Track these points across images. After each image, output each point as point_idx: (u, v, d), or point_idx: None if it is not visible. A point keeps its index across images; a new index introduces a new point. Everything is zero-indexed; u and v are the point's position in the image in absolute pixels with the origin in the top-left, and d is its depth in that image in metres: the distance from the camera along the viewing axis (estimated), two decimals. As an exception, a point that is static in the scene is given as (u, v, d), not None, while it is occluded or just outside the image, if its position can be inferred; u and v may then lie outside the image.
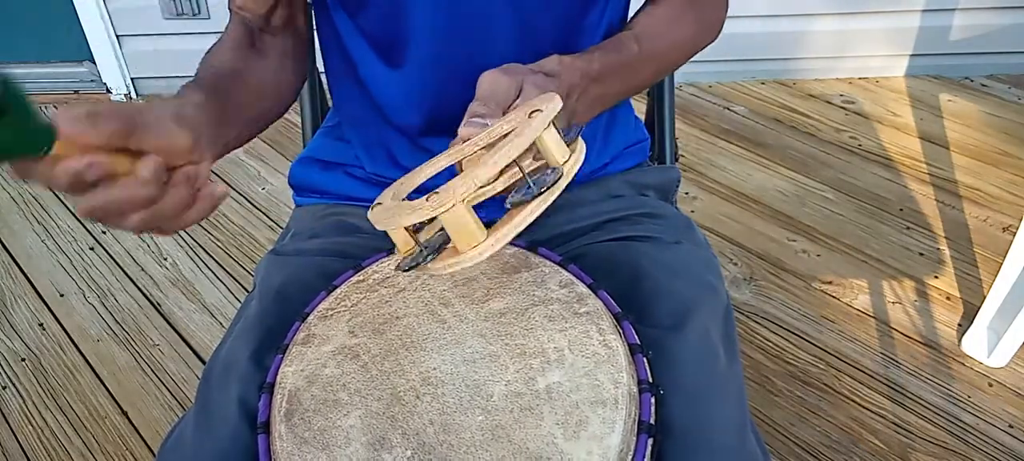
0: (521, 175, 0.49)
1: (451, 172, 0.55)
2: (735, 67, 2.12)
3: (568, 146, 0.51)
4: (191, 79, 0.61)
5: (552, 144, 0.49)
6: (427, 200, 0.47)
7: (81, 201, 0.44)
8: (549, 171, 0.49)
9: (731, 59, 2.08)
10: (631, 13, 0.74)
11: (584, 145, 0.53)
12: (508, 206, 0.49)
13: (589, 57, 0.61)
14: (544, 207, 0.48)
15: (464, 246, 0.48)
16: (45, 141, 0.41)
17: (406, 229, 0.55)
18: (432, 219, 0.56)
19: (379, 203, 0.56)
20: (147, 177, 0.44)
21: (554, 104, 0.49)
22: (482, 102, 0.53)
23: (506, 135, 0.49)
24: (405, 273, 0.58)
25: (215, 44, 0.68)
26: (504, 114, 0.53)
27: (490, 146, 0.50)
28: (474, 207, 0.48)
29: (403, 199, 0.55)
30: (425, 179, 0.59)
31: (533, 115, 0.48)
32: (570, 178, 0.49)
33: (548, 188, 0.48)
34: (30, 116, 0.40)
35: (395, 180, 0.77)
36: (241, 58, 0.66)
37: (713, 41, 0.73)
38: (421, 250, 0.53)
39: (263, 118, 0.67)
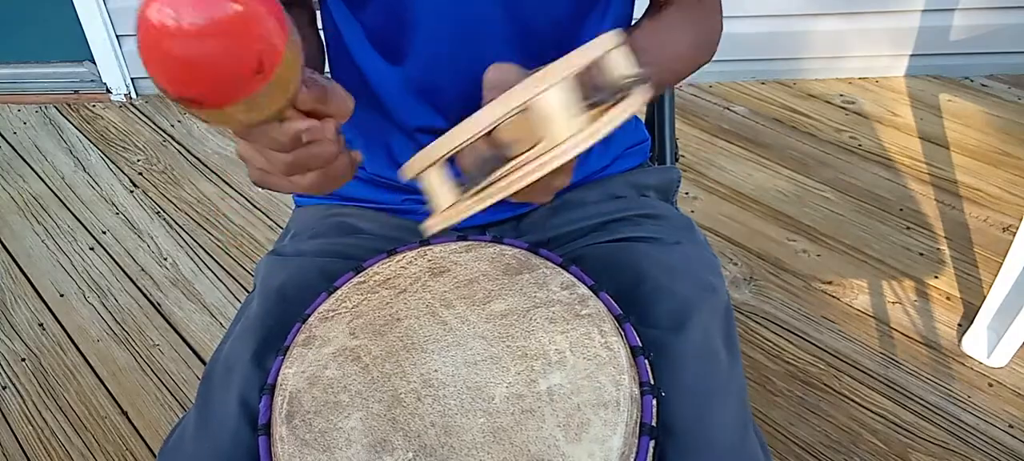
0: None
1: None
2: (735, 67, 2.12)
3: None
4: None
5: (622, 59, 0.46)
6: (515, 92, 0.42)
7: (264, 162, 0.48)
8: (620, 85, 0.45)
9: (731, 59, 2.08)
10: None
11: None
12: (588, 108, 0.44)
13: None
14: (630, 111, 0.44)
15: (557, 136, 0.42)
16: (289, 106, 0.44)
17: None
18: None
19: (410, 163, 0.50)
20: (332, 137, 0.48)
21: (613, 35, 0.45)
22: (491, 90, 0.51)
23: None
24: (465, 199, 0.47)
25: None
26: None
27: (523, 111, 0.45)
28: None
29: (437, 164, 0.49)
30: (455, 147, 0.49)
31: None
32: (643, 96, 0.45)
33: (631, 92, 0.44)
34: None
35: (396, 181, 0.78)
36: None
37: (709, 60, 0.73)
38: (484, 163, 0.45)
39: None
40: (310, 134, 0.46)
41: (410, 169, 0.49)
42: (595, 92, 0.44)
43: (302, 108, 0.46)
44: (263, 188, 0.52)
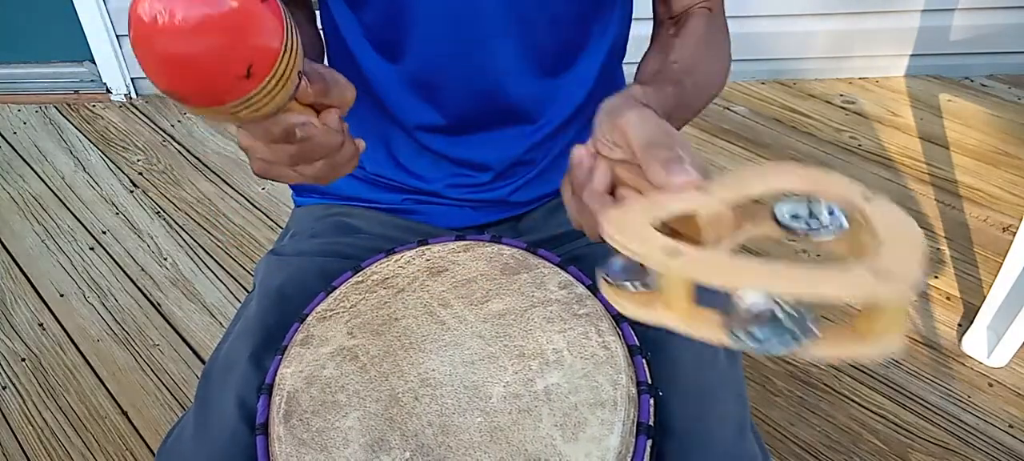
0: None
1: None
2: (735, 67, 2.10)
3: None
4: None
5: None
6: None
7: (267, 153, 0.48)
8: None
9: (731, 59, 2.08)
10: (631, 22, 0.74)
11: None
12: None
13: (665, 91, 0.55)
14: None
15: (882, 331, 0.34)
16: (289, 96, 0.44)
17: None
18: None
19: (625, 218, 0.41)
20: (336, 126, 0.49)
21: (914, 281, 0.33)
22: (654, 144, 0.44)
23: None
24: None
25: None
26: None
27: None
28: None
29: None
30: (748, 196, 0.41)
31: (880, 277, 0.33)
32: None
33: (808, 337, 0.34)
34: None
35: (395, 181, 0.78)
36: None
37: (718, 93, 0.72)
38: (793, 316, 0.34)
39: None
40: (304, 130, 0.46)
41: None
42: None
43: (303, 101, 0.46)
44: (266, 179, 0.52)
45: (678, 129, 0.58)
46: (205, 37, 0.37)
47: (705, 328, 0.36)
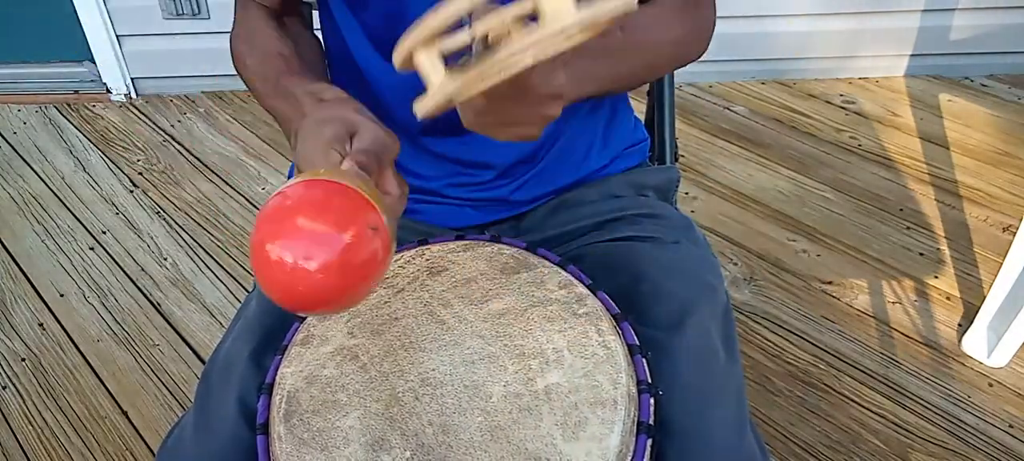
0: None
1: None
2: (735, 67, 2.12)
3: None
4: (297, 73, 0.64)
5: None
6: None
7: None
8: None
9: (731, 59, 2.08)
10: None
11: None
12: None
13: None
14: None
15: (560, 15, 0.38)
16: None
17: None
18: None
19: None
20: (395, 191, 0.51)
21: None
22: None
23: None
24: (454, 74, 0.42)
25: (253, 36, 0.69)
26: None
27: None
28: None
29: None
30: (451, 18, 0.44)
31: None
32: None
33: None
34: None
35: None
36: (292, 37, 0.69)
37: (702, 51, 0.72)
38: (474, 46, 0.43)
39: None
40: (381, 235, 0.47)
41: (400, 51, 0.43)
42: None
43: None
44: None
45: (601, 77, 0.64)
46: (329, 273, 0.42)
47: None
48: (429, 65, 0.43)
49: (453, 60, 0.44)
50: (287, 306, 0.43)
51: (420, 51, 0.43)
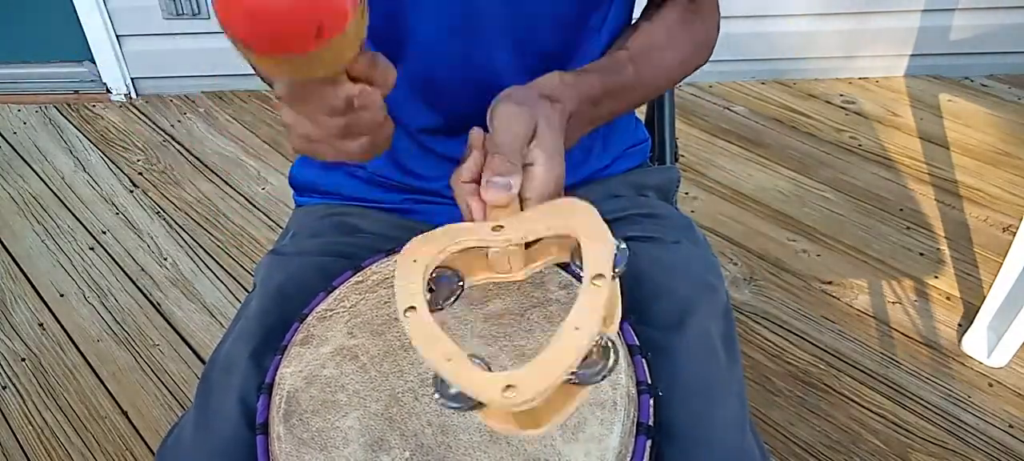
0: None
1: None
2: (735, 67, 2.12)
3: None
4: None
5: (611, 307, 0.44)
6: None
7: (312, 128, 0.49)
8: (602, 358, 0.42)
9: (731, 59, 2.08)
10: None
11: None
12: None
13: (589, 79, 0.61)
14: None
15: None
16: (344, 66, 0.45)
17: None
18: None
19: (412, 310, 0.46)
20: (380, 103, 0.50)
21: (607, 277, 0.45)
22: (501, 149, 0.50)
23: (538, 240, 0.49)
24: None
25: None
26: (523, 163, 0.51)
27: (527, 246, 0.50)
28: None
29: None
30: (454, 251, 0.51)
31: (596, 279, 0.45)
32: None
33: (605, 375, 0.42)
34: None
35: (396, 181, 0.78)
36: None
37: (707, 59, 0.72)
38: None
39: None
40: (362, 99, 0.47)
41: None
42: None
43: (353, 74, 0.47)
44: (306, 155, 0.52)
45: (610, 114, 0.65)
46: None
47: None
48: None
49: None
50: (246, 38, 0.40)
51: None
